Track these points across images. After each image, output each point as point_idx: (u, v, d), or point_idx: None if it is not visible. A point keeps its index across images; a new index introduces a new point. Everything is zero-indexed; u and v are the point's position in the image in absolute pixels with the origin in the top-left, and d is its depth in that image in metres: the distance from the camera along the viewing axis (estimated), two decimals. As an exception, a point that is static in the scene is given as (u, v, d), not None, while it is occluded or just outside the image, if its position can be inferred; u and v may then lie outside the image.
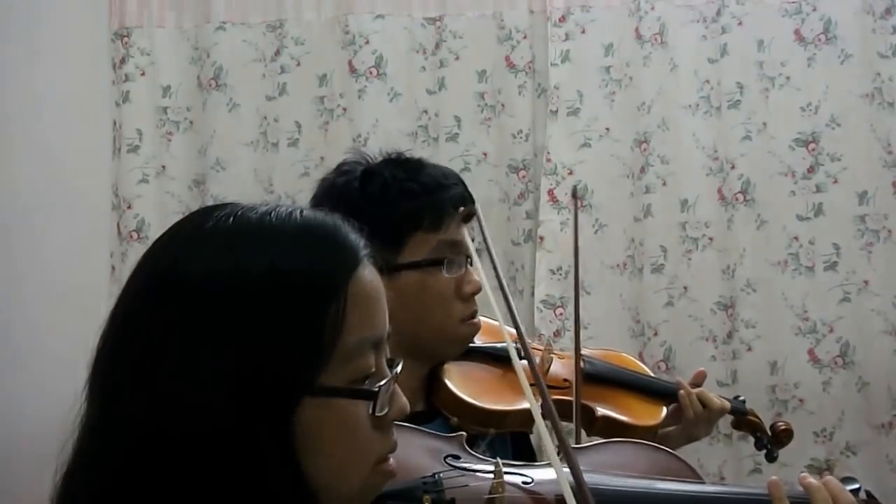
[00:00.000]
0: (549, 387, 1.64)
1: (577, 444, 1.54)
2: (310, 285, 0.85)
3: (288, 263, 0.85)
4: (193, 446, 0.81)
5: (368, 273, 0.90)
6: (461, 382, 1.56)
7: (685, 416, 1.79)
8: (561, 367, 1.74)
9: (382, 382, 0.87)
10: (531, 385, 1.16)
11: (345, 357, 0.85)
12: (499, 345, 1.64)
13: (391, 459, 0.90)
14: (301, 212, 0.90)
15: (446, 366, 1.58)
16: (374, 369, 0.88)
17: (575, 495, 0.95)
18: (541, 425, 1.02)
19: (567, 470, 0.99)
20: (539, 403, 1.08)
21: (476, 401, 1.54)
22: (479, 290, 1.56)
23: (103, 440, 0.84)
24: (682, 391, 1.80)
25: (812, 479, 1.15)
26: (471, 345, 1.61)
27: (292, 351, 0.83)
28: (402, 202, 1.52)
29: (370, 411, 0.86)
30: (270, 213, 0.89)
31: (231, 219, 0.88)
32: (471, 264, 1.57)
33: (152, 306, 0.85)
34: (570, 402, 1.66)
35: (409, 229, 1.52)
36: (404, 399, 0.91)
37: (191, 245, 0.88)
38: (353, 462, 0.87)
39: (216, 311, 0.83)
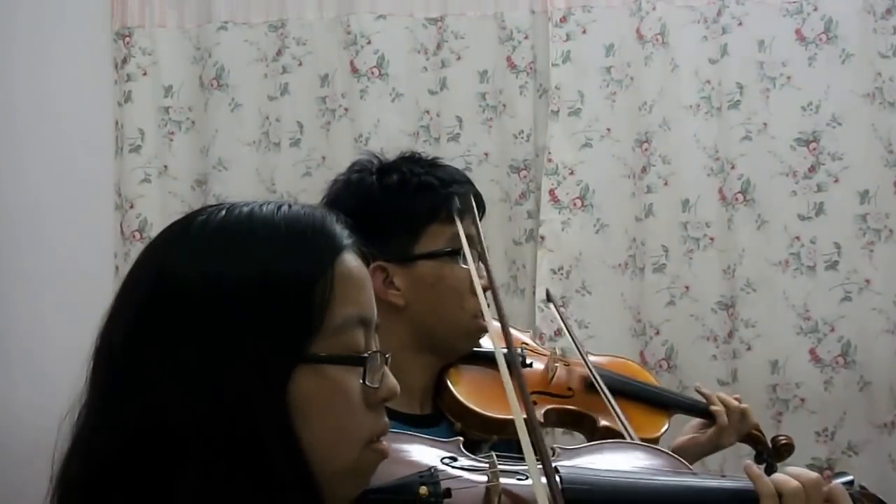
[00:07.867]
0: (553, 395, 1.66)
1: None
2: (298, 264, 0.90)
3: (277, 248, 0.91)
4: (191, 424, 0.85)
5: (353, 259, 0.95)
6: (465, 388, 1.57)
7: (719, 423, 1.80)
8: (566, 375, 1.74)
9: (371, 351, 0.93)
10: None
11: (334, 330, 0.90)
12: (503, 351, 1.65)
13: (384, 441, 0.95)
14: (289, 206, 0.95)
15: (452, 370, 1.59)
16: (362, 346, 0.93)
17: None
18: (524, 437, 1.05)
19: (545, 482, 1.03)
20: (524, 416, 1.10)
21: (478, 407, 1.55)
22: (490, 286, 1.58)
23: (104, 425, 0.88)
24: (716, 398, 1.83)
25: (756, 468, 1.17)
26: (478, 349, 1.62)
27: (284, 323, 0.88)
28: (420, 194, 1.55)
29: (361, 380, 0.91)
30: (260, 207, 0.94)
31: (222, 213, 0.94)
32: (482, 260, 1.59)
33: (149, 300, 0.90)
34: (574, 410, 1.68)
35: (426, 221, 1.55)
36: (394, 380, 0.96)
37: (183, 243, 0.93)
38: (345, 435, 0.91)
39: (209, 303, 0.88)
